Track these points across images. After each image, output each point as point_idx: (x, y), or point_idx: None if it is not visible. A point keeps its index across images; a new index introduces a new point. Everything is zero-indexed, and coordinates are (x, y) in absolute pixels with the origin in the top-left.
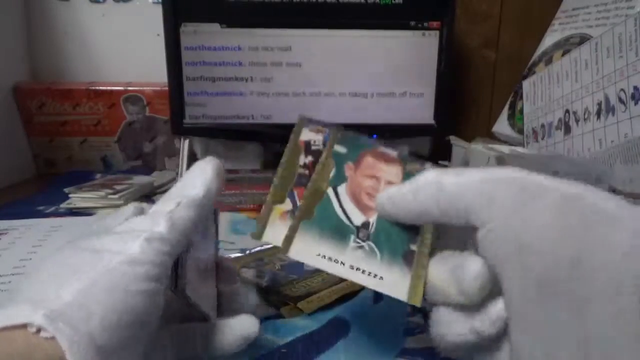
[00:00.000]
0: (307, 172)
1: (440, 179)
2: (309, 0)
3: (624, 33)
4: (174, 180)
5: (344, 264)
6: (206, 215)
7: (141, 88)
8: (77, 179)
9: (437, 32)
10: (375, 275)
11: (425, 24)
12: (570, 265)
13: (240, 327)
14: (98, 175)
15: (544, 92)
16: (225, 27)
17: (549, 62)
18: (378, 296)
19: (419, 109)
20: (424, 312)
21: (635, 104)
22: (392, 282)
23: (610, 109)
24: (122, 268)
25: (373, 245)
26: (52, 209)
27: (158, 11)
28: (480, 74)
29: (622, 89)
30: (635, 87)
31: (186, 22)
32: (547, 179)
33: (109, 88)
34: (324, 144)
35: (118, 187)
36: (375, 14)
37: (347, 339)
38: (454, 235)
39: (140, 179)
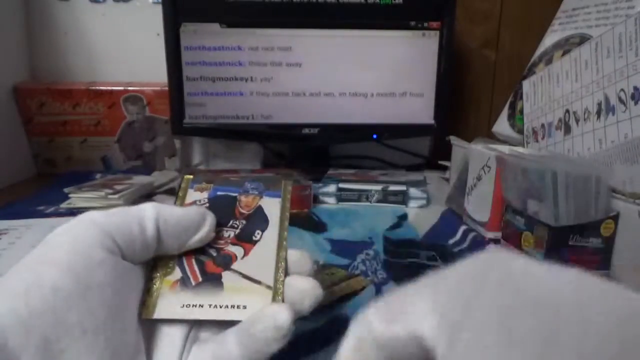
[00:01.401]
0: None
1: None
2: (309, 0)
3: (624, 33)
4: (174, 180)
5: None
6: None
7: (141, 88)
8: (77, 179)
9: (437, 32)
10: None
11: (425, 24)
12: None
13: (272, 314)
14: (98, 175)
15: (544, 92)
16: (225, 27)
17: (549, 62)
18: (378, 295)
19: (419, 109)
20: None
21: (635, 104)
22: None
23: (610, 109)
24: (60, 238)
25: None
26: (52, 209)
27: (158, 11)
28: (480, 74)
29: (622, 89)
30: (635, 87)
31: (186, 22)
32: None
33: (109, 88)
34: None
35: (118, 187)
36: (375, 14)
37: None
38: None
39: (140, 179)
